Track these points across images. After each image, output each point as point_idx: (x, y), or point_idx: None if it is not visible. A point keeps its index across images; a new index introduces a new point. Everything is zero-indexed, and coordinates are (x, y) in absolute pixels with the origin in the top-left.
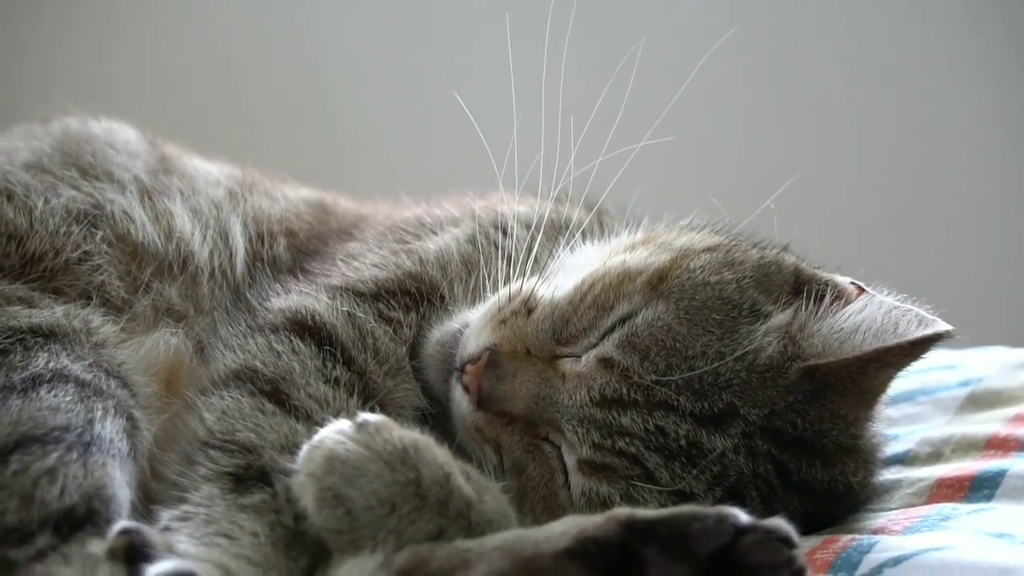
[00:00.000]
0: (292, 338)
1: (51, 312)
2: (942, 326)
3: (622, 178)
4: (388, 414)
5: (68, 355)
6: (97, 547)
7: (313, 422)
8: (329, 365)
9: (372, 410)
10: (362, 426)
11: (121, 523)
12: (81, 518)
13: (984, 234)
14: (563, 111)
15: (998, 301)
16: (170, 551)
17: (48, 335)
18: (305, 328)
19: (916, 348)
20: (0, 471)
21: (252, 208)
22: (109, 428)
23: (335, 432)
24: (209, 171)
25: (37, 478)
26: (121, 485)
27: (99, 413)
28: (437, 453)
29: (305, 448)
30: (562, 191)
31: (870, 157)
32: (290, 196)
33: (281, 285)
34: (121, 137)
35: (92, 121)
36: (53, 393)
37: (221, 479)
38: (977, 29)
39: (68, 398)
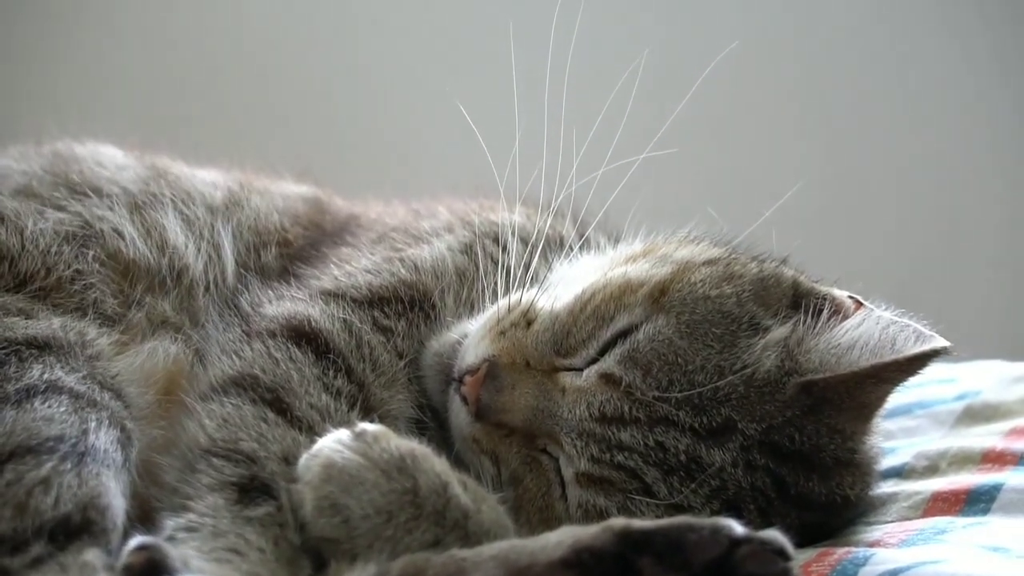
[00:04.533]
0: (289, 345)
1: (48, 324)
2: (940, 342)
3: (624, 189)
4: (386, 426)
5: (62, 367)
6: (93, 556)
7: (315, 433)
8: (330, 374)
9: (372, 422)
10: (360, 435)
11: (138, 539)
12: (77, 527)
13: (982, 248)
14: (566, 122)
15: (995, 315)
16: (186, 566)
17: (43, 347)
18: (302, 335)
19: (913, 364)
20: None
21: (248, 216)
22: (103, 439)
23: (333, 441)
24: (204, 178)
25: (31, 487)
26: (116, 495)
27: (93, 424)
28: (435, 463)
29: (304, 457)
30: (557, 203)
31: (869, 170)
32: (288, 193)
33: (273, 291)
34: (107, 153)
35: (76, 144)
36: (47, 404)
37: (226, 489)
38: (983, 43)
39: (62, 409)
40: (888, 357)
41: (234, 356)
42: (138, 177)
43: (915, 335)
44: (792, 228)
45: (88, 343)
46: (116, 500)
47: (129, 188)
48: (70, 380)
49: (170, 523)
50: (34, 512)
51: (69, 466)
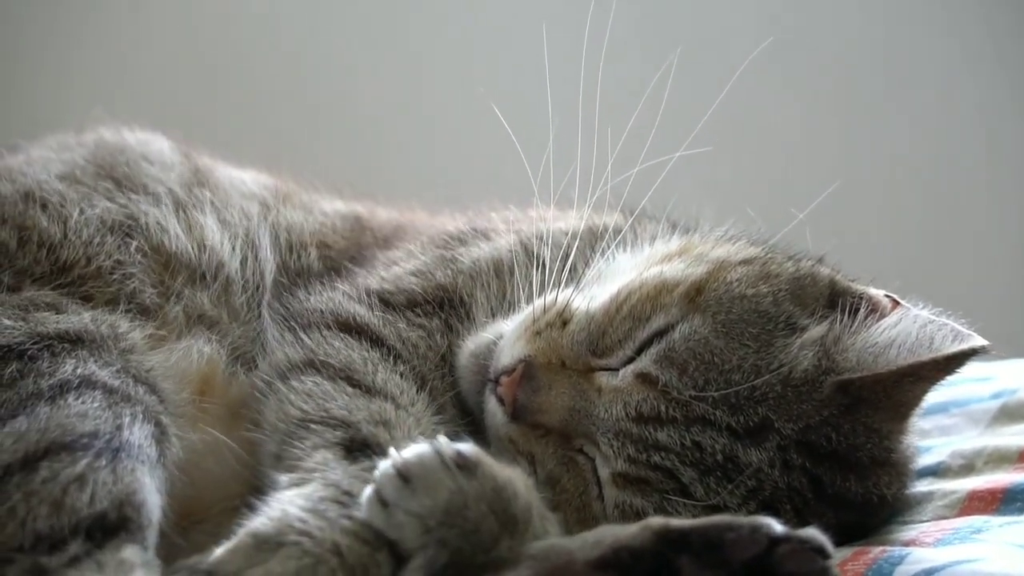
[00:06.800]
0: (342, 335)
1: (79, 318)
2: (978, 341)
3: (659, 188)
4: (447, 420)
5: (96, 361)
6: (131, 553)
7: (397, 404)
8: (390, 359)
9: (440, 410)
10: (467, 468)
11: None
12: (114, 525)
13: (1019, 246)
14: (599, 121)
15: None
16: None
17: (75, 341)
18: (351, 327)
19: (951, 363)
20: (30, 478)
21: (284, 219)
22: (138, 434)
23: (444, 474)
24: (244, 181)
25: (66, 485)
26: (152, 491)
27: (127, 419)
28: (521, 489)
29: (397, 481)
30: (600, 199)
31: (905, 168)
32: (326, 210)
33: (321, 284)
34: (155, 148)
35: (126, 131)
36: (81, 400)
37: (332, 448)
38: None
39: (96, 404)
40: (926, 356)
41: (295, 345)
42: (182, 180)
43: (953, 334)
44: (829, 227)
45: (121, 336)
46: (152, 496)
47: (174, 189)
48: (103, 374)
49: (283, 478)
50: (70, 510)
51: (104, 463)
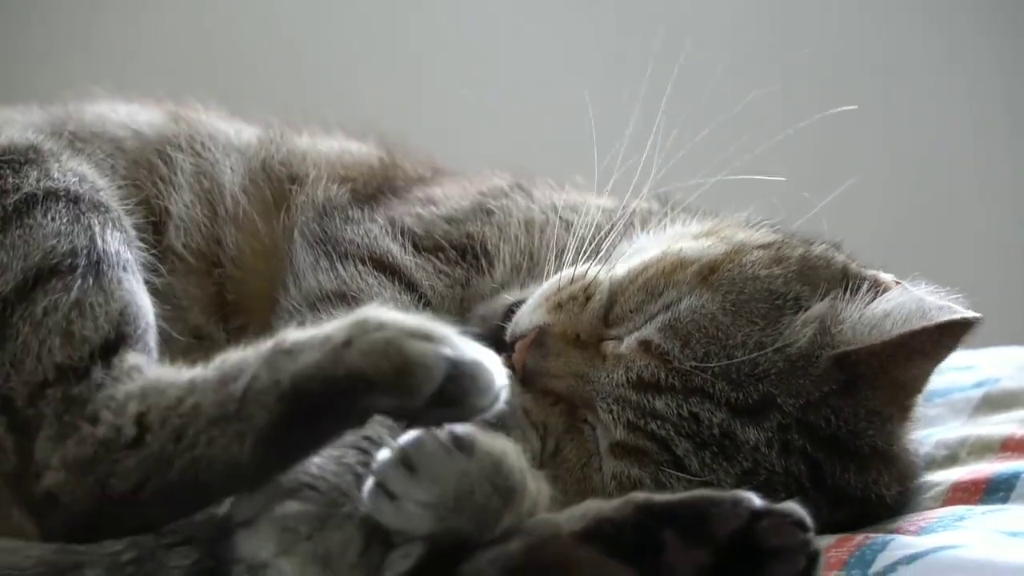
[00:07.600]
0: (377, 272)
1: (37, 135)
2: (971, 313)
3: (687, 173)
4: None
5: (59, 168)
6: (136, 358)
7: None
8: (420, 307)
9: None
10: (463, 446)
11: None
12: (114, 343)
13: (1004, 235)
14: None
15: (1015, 301)
16: None
17: (36, 150)
18: (385, 266)
19: (944, 334)
20: (31, 311)
21: (285, 150)
22: (111, 241)
23: (447, 457)
24: (234, 124)
25: (68, 313)
26: (141, 294)
27: (98, 228)
28: (513, 457)
29: (397, 461)
30: (633, 183)
31: (895, 158)
32: (348, 146)
33: (361, 212)
34: (115, 105)
35: (88, 103)
36: (50, 216)
37: None
38: None
39: (65, 219)
40: (918, 325)
41: (329, 273)
42: (154, 124)
43: (948, 308)
44: (843, 216)
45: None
46: (143, 300)
47: (142, 131)
48: (66, 181)
49: None
50: (81, 339)
51: (91, 280)
